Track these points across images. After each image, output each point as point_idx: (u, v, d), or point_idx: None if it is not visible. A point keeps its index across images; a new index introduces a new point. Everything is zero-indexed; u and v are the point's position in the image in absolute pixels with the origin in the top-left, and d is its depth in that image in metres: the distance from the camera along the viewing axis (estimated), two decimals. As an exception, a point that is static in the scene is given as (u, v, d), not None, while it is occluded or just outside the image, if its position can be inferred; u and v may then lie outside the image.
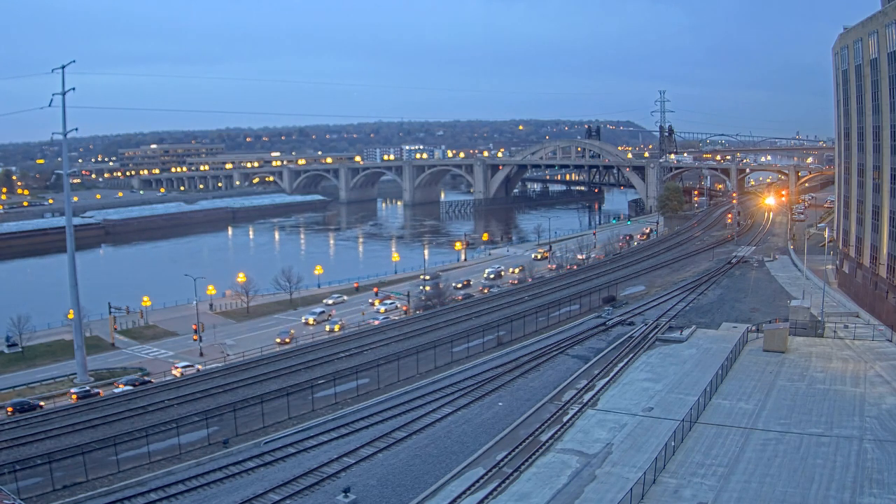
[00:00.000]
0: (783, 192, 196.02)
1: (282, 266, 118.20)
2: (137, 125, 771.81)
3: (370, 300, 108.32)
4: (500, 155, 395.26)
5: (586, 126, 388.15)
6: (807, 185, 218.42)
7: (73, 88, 72.94)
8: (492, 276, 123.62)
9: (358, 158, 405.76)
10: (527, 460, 39.47)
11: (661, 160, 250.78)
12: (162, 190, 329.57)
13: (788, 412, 45.47)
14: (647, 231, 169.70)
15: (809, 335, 63.99)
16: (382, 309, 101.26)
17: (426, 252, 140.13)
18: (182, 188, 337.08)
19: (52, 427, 50.37)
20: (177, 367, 73.34)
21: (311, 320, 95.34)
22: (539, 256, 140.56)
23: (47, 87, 77.29)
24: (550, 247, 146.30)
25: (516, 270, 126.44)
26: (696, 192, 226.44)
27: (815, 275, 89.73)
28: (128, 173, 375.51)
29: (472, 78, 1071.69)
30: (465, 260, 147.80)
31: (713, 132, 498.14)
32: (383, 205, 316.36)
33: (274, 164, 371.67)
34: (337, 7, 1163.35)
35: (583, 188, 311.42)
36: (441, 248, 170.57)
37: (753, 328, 65.61)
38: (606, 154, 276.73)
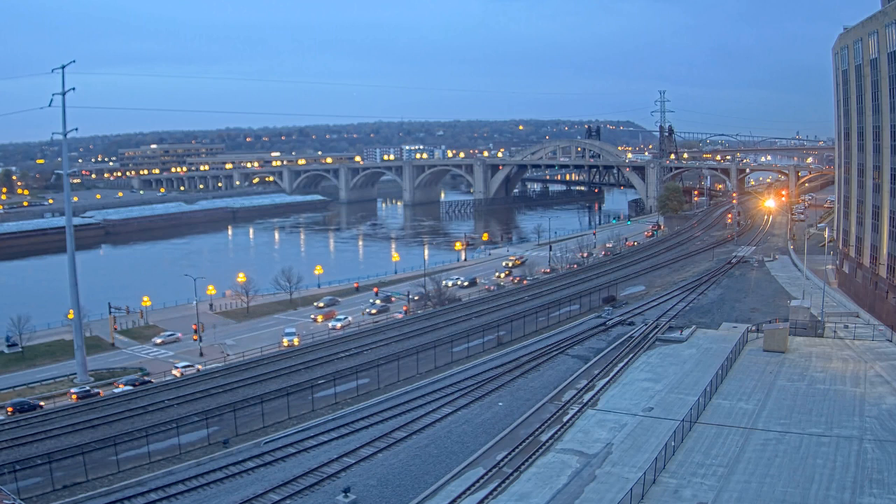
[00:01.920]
0: (783, 193, 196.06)
1: (282, 266, 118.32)
2: (137, 125, 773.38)
3: (312, 315, 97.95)
4: (500, 155, 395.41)
5: (586, 126, 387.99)
6: (807, 185, 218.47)
7: (73, 88, 73.16)
8: (465, 283, 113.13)
9: (358, 158, 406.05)
10: (527, 460, 39.44)
11: (641, 157, 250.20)
12: (162, 190, 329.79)
13: (788, 412, 45.46)
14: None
15: (809, 335, 63.95)
16: (338, 325, 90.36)
17: (426, 252, 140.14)
18: (182, 188, 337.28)
19: (52, 427, 50.36)
20: (177, 368, 73.36)
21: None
22: (511, 264, 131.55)
23: (47, 87, 77.44)
24: (551, 246, 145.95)
25: (502, 276, 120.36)
26: (696, 192, 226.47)
27: (815, 275, 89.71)
28: (128, 173, 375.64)
29: (472, 78, 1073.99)
30: (465, 260, 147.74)
31: (713, 132, 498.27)
32: (383, 205, 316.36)
33: (274, 164, 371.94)
34: (337, 7, 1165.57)
35: (583, 188, 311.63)
36: (441, 249, 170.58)
37: (753, 328, 65.56)
38: (606, 154, 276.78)
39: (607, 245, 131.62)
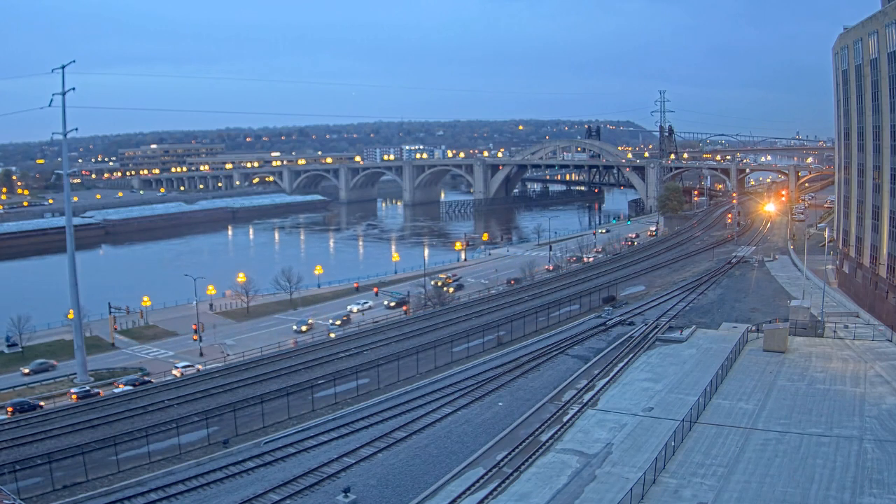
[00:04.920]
0: (783, 193, 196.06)
1: (282, 266, 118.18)
2: (137, 125, 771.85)
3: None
4: (500, 155, 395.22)
5: (586, 126, 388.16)
6: (807, 185, 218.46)
7: (73, 88, 73.03)
8: (391, 303, 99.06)
9: (358, 158, 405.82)
10: (527, 460, 39.46)
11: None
12: (162, 190, 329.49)
13: (788, 412, 45.47)
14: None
15: (809, 335, 63.98)
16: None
17: (426, 252, 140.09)
18: (182, 188, 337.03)
19: (52, 427, 50.36)
20: (177, 368, 73.32)
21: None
22: (441, 283, 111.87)
23: (47, 87, 77.22)
24: (551, 247, 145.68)
25: (451, 291, 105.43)
26: (696, 192, 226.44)
27: (815, 275, 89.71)
28: (128, 173, 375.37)
29: (472, 78, 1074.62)
30: (465, 260, 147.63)
31: (713, 132, 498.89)
32: (383, 205, 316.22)
33: (274, 164, 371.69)
34: (337, 7, 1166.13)
35: (583, 188, 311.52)
36: (441, 249, 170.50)
37: (753, 328, 65.60)
38: (606, 154, 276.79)
39: (567, 259, 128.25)
